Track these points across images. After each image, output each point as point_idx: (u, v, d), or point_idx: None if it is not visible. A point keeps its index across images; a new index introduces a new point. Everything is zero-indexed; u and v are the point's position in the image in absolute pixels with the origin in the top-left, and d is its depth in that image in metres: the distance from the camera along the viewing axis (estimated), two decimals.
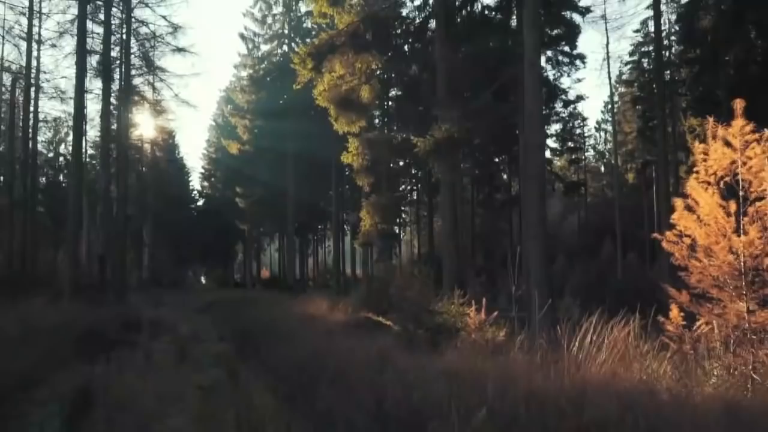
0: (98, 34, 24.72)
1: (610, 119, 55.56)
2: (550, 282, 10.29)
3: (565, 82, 48.95)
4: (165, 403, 5.74)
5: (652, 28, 39.06)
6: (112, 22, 24.35)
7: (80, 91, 20.14)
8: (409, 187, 42.35)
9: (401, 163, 39.27)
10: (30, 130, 30.74)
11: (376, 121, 31.29)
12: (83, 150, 37.02)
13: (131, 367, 7.78)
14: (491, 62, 21.13)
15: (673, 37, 37.63)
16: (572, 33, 26.74)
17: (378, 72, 16.33)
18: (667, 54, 38.12)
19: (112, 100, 28.73)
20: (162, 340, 11.60)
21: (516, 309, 7.02)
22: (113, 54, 26.61)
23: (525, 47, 10.17)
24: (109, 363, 8.07)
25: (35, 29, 27.67)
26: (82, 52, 19.75)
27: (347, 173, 38.58)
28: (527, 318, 9.53)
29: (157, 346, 10.52)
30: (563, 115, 39.21)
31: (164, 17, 25.72)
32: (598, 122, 58.67)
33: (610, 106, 46.10)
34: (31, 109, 30.06)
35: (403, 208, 42.64)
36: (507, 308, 9.85)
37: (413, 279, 17.74)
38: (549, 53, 30.89)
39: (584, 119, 48.30)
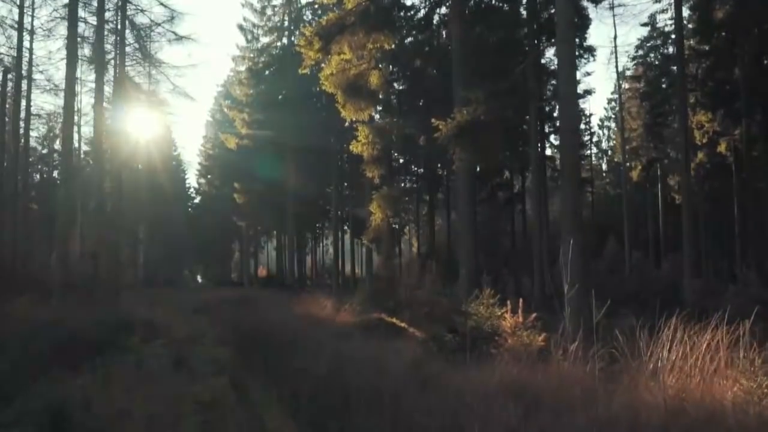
0: (92, 24, 23.78)
1: (613, 116, 54.74)
2: (588, 281, 9.32)
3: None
4: (157, 425, 4.77)
5: (659, 24, 38.38)
6: (107, 8, 23.29)
7: (71, 79, 19.12)
8: (409, 185, 41.54)
9: (401, 160, 38.44)
10: (22, 124, 29.83)
11: (377, 117, 30.48)
12: (78, 145, 36.11)
13: (120, 376, 6.79)
14: (504, 49, 20.37)
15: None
16: (583, 24, 25.92)
17: (390, 54, 15.32)
18: (675, 49, 37.29)
19: (107, 92, 27.76)
20: (156, 344, 10.61)
21: (568, 311, 6.04)
22: (108, 45, 25.61)
23: (557, 22, 9.25)
24: (94, 371, 7.07)
25: (27, 18, 26.73)
26: (72, 38, 18.71)
27: (347, 170, 37.76)
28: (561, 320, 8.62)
29: (151, 351, 9.54)
30: None
31: (161, 3, 24.63)
32: (601, 119, 57.82)
33: (616, 101, 45.24)
34: (24, 103, 29.13)
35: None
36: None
37: (423, 277, 16.81)
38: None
39: (589, 115, 47.42)
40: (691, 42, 30.04)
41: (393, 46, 14.65)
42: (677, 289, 20.71)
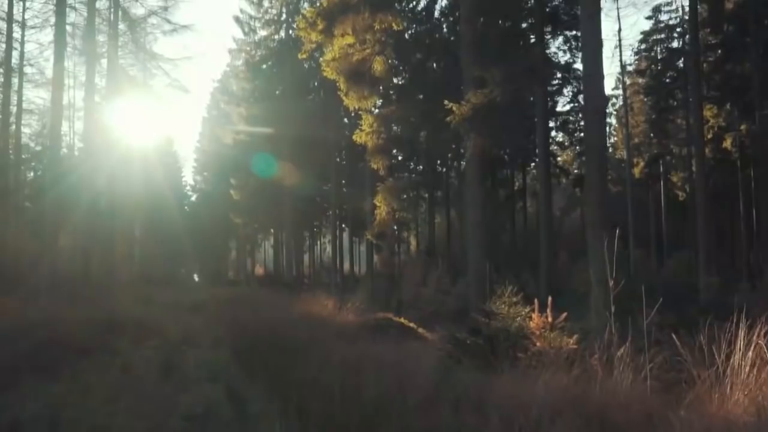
0: (83, 14, 22.97)
1: (614, 112, 53.99)
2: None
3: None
4: None
5: (664, 17, 37.74)
6: None
7: (59, 69, 18.33)
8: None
9: (400, 157, 37.78)
10: (13, 119, 29.05)
11: (376, 112, 29.87)
12: (72, 141, 35.34)
13: (102, 383, 6.03)
14: (509, 38, 19.70)
15: (685, 26, 36.28)
16: None
17: (395, 38, 14.56)
18: (681, 42, 36.72)
19: (101, 86, 27.04)
20: (146, 346, 9.84)
21: (614, 310, 5.31)
22: (101, 37, 24.82)
23: None
24: (75, 379, 6.31)
25: (17, 9, 25.91)
26: (61, 26, 17.90)
27: (345, 167, 37.09)
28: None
29: (140, 354, 8.77)
30: (575, 106, 37.71)
31: None
32: None
33: (618, 97, 44.56)
34: (15, 99, 28.32)
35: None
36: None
37: (427, 275, 16.13)
38: (561, 39, 29.52)
39: None
40: (698, 34, 29.41)
41: (402, 26, 13.91)
42: (690, 287, 20.08)
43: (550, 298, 6.61)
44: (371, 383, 4.20)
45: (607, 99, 9.24)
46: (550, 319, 6.42)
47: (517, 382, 4.15)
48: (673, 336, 4.85)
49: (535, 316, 6.50)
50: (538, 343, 6.22)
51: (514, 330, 6.18)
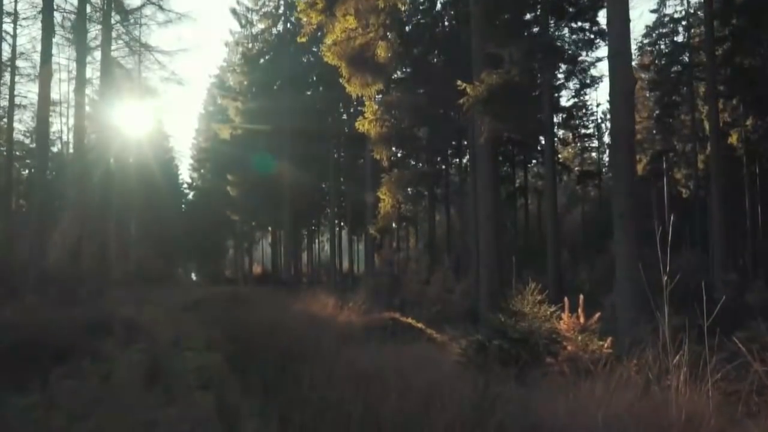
0: (74, 3, 22.20)
1: None
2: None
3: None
4: None
5: (668, 10, 37.15)
6: None
7: (47, 54, 17.52)
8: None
9: (399, 154, 37.16)
10: (5, 115, 28.40)
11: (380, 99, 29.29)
12: (66, 138, 34.62)
13: (77, 394, 5.31)
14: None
15: (690, 20, 35.74)
16: (596, 5, 24.58)
17: (398, 23, 13.86)
18: (687, 36, 36.13)
19: (93, 77, 26.35)
20: (134, 348, 9.11)
21: (667, 311, 4.61)
22: (94, 29, 24.07)
23: None
24: (46, 388, 5.58)
25: (10, 1, 25.22)
26: (48, 10, 17.09)
27: (343, 164, 36.43)
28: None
29: (126, 357, 8.05)
30: (577, 102, 37.11)
31: None
32: (603, 112, 56.55)
33: None
34: (7, 94, 27.62)
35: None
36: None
37: (432, 273, 15.47)
38: (566, 31, 28.81)
39: (597, 105, 46.31)
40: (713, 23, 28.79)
41: (406, 6, 13.20)
42: (704, 285, 19.43)
43: (581, 297, 5.90)
44: (391, 400, 3.44)
45: (635, 79, 8.60)
46: (582, 320, 5.71)
47: (566, 398, 3.43)
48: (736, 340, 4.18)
49: (565, 316, 5.78)
50: (569, 347, 5.51)
51: (545, 332, 5.45)
